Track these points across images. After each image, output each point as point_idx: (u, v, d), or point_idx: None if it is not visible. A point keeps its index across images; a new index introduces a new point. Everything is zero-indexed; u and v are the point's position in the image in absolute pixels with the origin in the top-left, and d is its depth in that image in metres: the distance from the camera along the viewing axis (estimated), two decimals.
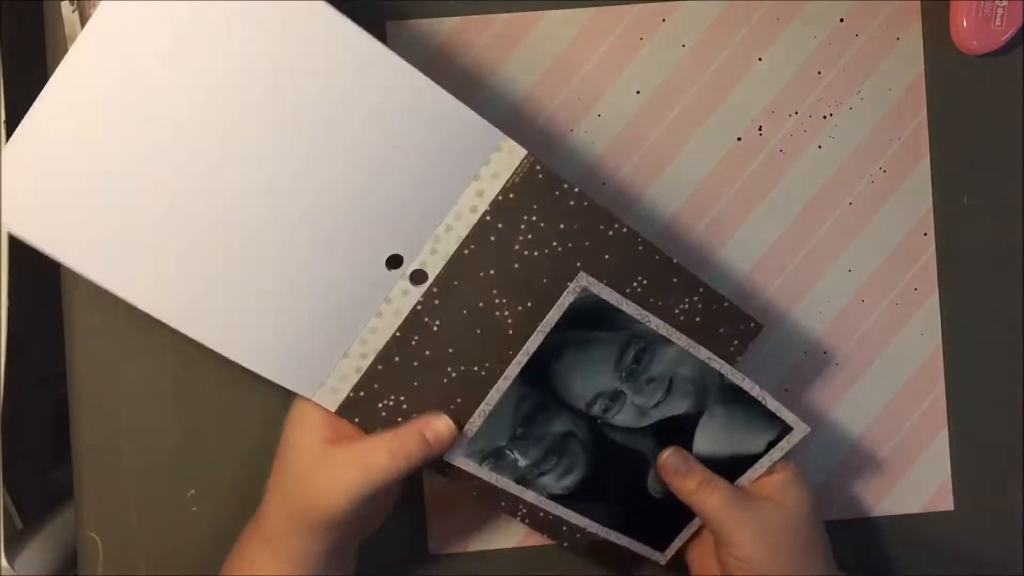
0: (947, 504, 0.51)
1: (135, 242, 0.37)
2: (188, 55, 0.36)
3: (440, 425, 0.41)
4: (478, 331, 0.41)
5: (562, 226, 0.40)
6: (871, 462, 0.51)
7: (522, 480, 0.43)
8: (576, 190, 0.40)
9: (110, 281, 0.38)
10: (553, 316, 0.40)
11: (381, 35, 0.48)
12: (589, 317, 0.41)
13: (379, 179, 0.38)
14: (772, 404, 0.43)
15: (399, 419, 0.41)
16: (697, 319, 0.42)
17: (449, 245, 0.40)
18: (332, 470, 0.40)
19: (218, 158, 0.37)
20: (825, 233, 0.50)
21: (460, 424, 0.41)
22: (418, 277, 0.40)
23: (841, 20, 0.49)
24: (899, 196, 0.50)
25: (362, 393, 0.41)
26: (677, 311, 0.42)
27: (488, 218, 0.40)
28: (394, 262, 0.40)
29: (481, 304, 0.40)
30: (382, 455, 0.39)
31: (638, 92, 0.49)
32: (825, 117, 0.49)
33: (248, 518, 0.43)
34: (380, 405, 0.41)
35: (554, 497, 0.43)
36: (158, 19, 0.35)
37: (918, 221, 0.50)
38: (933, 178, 0.50)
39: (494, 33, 0.48)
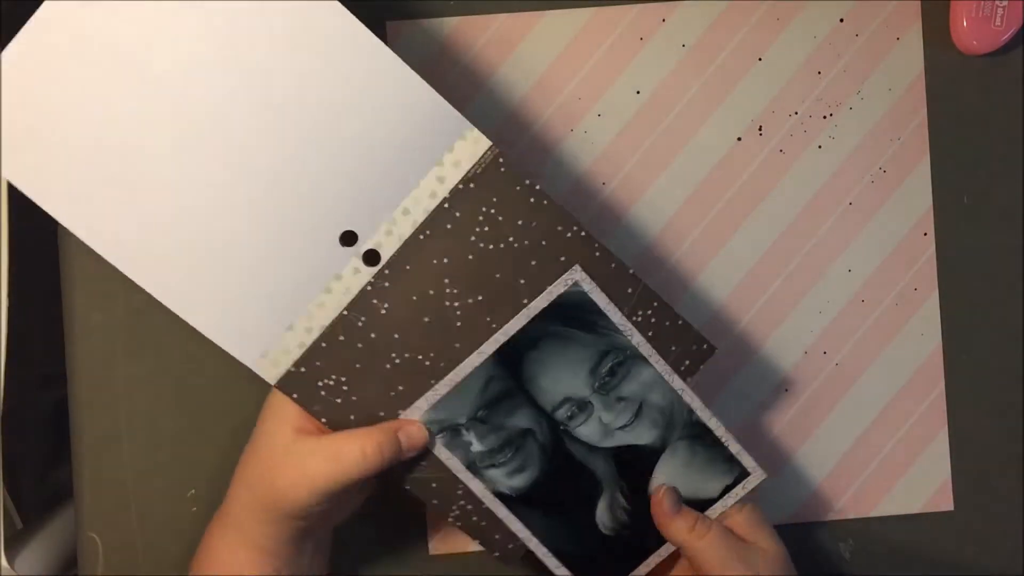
0: (947, 504, 0.51)
1: (105, 191, 0.38)
2: (164, 21, 0.36)
3: (416, 431, 0.41)
4: (426, 319, 0.40)
5: (520, 222, 0.40)
6: (871, 462, 0.51)
7: (472, 466, 0.42)
8: (537, 187, 0.39)
9: (75, 224, 0.38)
10: (540, 303, 0.40)
11: (381, 35, 0.48)
12: (572, 313, 0.41)
13: (341, 153, 0.38)
14: (734, 447, 0.43)
15: (337, 400, 0.40)
16: (649, 333, 0.41)
17: (405, 228, 0.39)
18: (300, 461, 0.39)
19: (190, 120, 0.37)
20: (825, 233, 0.50)
21: (397, 413, 0.41)
22: (371, 258, 0.40)
23: (841, 20, 0.49)
24: (899, 196, 0.50)
25: (303, 369, 0.40)
26: (630, 322, 0.41)
27: (446, 206, 0.39)
28: (348, 239, 0.39)
29: (432, 292, 0.40)
30: (354, 452, 0.39)
31: (638, 92, 0.49)
32: (825, 117, 0.49)
33: None
34: (320, 383, 0.40)
35: (499, 495, 0.42)
36: None
37: (918, 221, 0.50)
38: (933, 178, 0.50)
39: (494, 33, 0.48)
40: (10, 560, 0.50)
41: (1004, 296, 0.51)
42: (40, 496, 0.57)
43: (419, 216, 0.39)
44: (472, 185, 0.39)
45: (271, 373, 0.40)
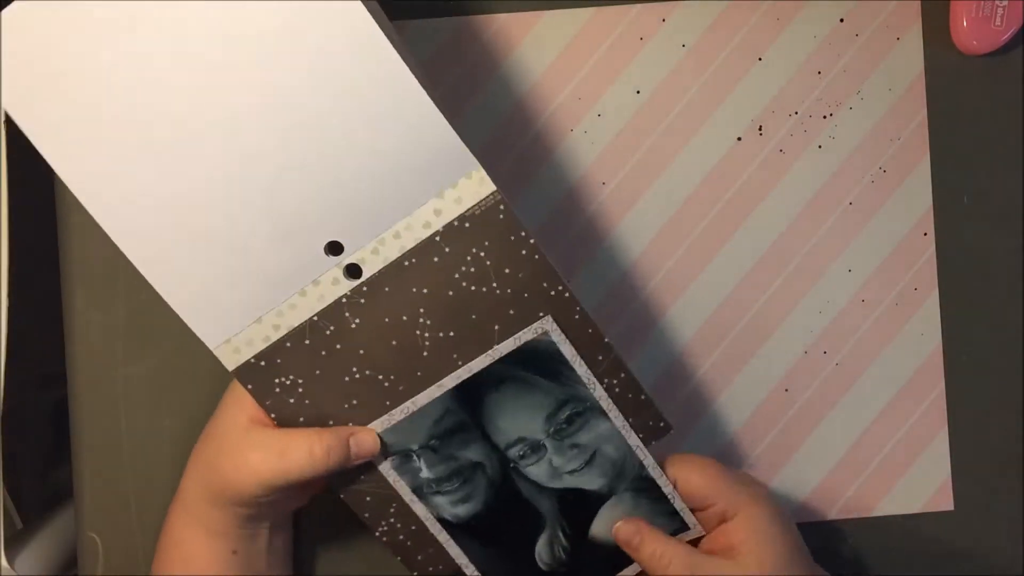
0: (947, 504, 0.51)
1: (103, 151, 0.38)
2: (182, 10, 0.36)
3: (368, 439, 0.41)
4: (393, 342, 0.40)
5: (507, 271, 0.40)
6: (871, 462, 0.51)
7: (418, 491, 0.42)
8: (532, 241, 0.39)
9: (78, 187, 0.38)
10: (507, 346, 0.40)
11: None
12: (538, 361, 0.41)
13: (343, 163, 0.38)
14: (678, 504, 0.43)
15: (291, 400, 0.41)
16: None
17: (392, 251, 0.39)
18: (248, 451, 0.40)
19: (201, 100, 0.37)
20: (825, 233, 0.50)
21: (346, 424, 0.41)
22: (352, 271, 0.40)
23: (841, 20, 0.49)
24: (899, 196, 0.50)
25: (263, 363, 0.40)
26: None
27: (438, 239, 0.39)
28: (334, 249, 0.39)
29: (405, 318, 0.40)
30: (301, 451, 0.39)
31: (638, 92, 0.49)
32: (825, 117, 0.49)
33: None
34: (277, 380, 0.41)
35: (442, 521, 0.43)
36: None
37: (918, 221, 0.50)
38: (933, 178, 0.50)
39: (494, 33, 0.48)
40: (10, 560, 0.50)
41: (1004, 296, 0.51)
42: (40, 496, 0.57)
43: (408, 243, 0.39)
44: (467, 224, 0.39)
45: (231, 359, 0.40)
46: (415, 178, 0.38)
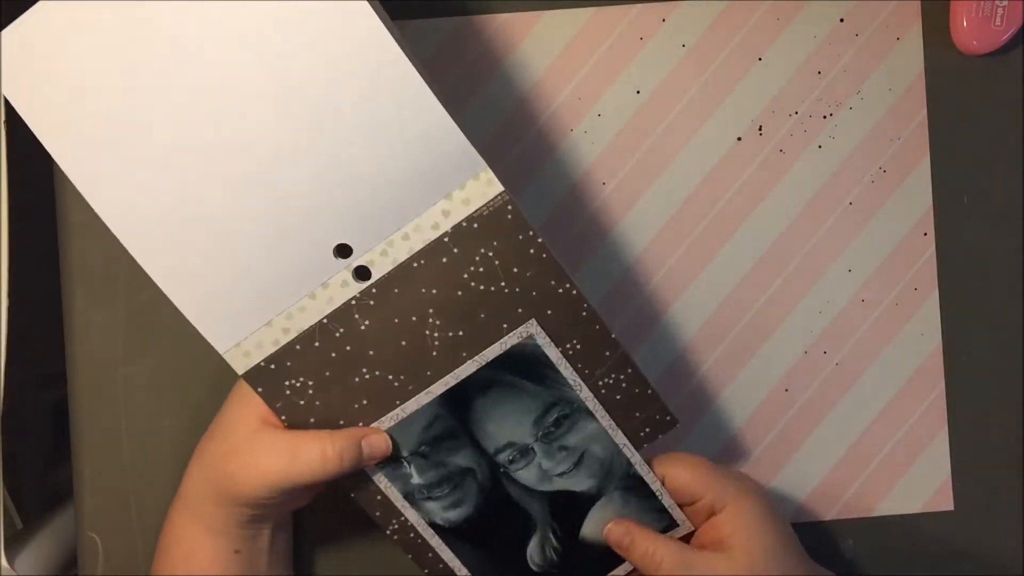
0: (947, 504, 0.51)
1: (112, 152, 0.38)
2: (191, 9, 0.36)
3: (380, 441, 0.41)
4: (403, 343, 0.40)
5: (515, 270, 0.40)
6: (871, 462, 0.51)
7: (409, 497, 0.43)
8: (539, 240, 0.39)
9: (88, 189, 0.38)
10: (491, 352, 0.41)
11: None
12: (524, 365, 0.41)
13: (351, 165, 0.38)
14: (667, 501, 0.44)
15: (301, 401, 0.41)
16: (618, 396, 0.42)
17: (401, 253, 0.40)
18: (258, 453, 0.39)
19: (210, 101, 0.37)
20: (825, 233, 0.50)
21: (356, 424, 0.41)
22: (362, 273, 0.40)
23: (841, 20, 0.49)
24: (899, 196, 0.50)
25: (273, 366, 0.40)
26: (601, 383, 0.42)
27: (446, 240, 0.39)
28: (343, 251, 0.40)
29: (414, 319, 0.40)
30: (314, 453, 0.39)
31: (638, 92, 0.49)
32: (825, 117, 0.49)
33: None
34: (287, 383, 0.41)
35: (434, 526, 0.43)
36: None
37: (918, 221, 0.50)
38: (933, 178, 0.50)
39: (494, 33, 0.48)
40: (10, 560, 0.50)
41: (1004, 296, 0.51)
42: (40, 496, 0.57)
43: (417, 244, 0.39)
44: (476, 225, 0.39)
45: (241, 363, 0.40)
46: (423, 179, 0.39)
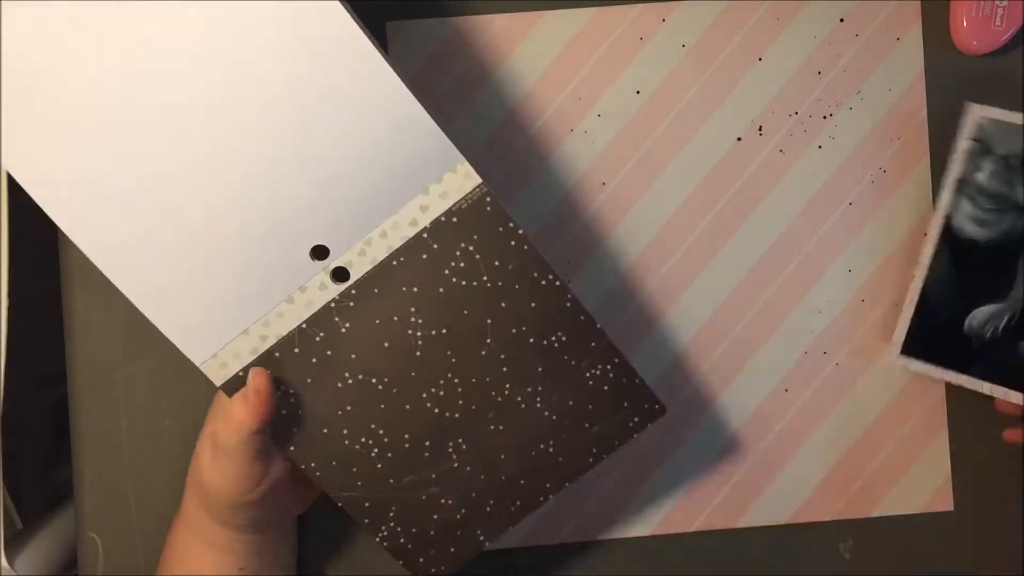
0: (947, 504, 0.51)
1: (76, 168, 0.37)
2: (159, 14, 0.36)
3: (259, 378, 0.39)
4: (385, 344, 0.40)
5: (497, 263, 0.39)
6: (871, 462, 0.51)
7: None
8: (520, 232, 0.39)
9: (40, 194, 0.37)
10: None
11: (381, 35, 0.48)
12: None
13: (324, 165, 0.37)
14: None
15: (283, 411, 0.40)
16: (605, 387, 0.42)
17: (379, 251, 0.39)
18: (218, 454, 0.40)
19: (176, 110, 0.37)
20: (825, 233, 0.50)
21: (345, 436, 0.41)
22: (340, 275, 0.39)
23: (841, 20, 0.49)
24: (899, 196, 0.50)
25: None
26: (588, 375, 0.41)
27: (425, 235, 0.39)
28: (319, 253, 0.39)
29: (396, 318, 0.40)
30: (236, 404, 0.38)
31: (638, 92, 0.49)
32: (825, 117, 0.49)
33: None
34: None
35: None
36: None
37: (918, 221, 0.50)
38: (933, 178, 0.50)
39: (494, 33, 0.48)
40: (10, 560, 0.50)
41: None
42: (40, 496, 0.57)
43: (396, 242, 0.39)
44: (455, 219, 0.39)
45: (218, 375, 0.40)
46: (399, 175, 0.38)
